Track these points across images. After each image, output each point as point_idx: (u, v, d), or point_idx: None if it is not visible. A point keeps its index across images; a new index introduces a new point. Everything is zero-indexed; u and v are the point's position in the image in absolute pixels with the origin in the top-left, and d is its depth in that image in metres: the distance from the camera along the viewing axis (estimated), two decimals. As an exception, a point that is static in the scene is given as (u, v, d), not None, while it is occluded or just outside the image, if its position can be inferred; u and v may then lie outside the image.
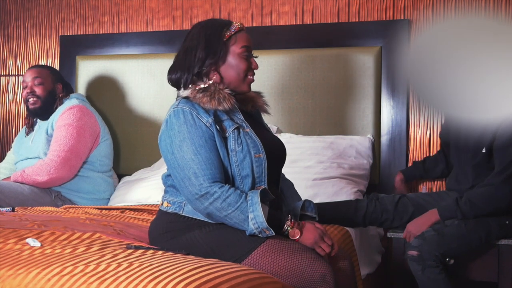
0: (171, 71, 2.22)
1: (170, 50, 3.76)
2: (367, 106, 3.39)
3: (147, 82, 3.80)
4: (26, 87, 3.54)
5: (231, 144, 2.10)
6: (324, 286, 1.96)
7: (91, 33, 4.06)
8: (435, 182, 3.37)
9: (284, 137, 3.26)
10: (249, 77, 2.21)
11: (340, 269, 2.15)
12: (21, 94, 3.60)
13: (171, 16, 3.89)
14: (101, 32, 4.04)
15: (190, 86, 2.15)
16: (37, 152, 3.46)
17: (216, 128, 2.09)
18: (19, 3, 4.25)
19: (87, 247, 1.98)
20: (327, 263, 2.01)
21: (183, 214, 2.12)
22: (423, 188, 3.23)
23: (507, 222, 2.70)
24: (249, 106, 2.29)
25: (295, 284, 1.97)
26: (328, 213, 2.79)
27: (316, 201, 2.76)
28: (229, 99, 2.13)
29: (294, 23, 3.63)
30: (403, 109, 3.38)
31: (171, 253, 1.94)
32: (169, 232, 2.12)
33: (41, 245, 2.00)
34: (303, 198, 2.33)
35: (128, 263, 1.77)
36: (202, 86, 2.14)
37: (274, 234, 2.02)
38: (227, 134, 2.11)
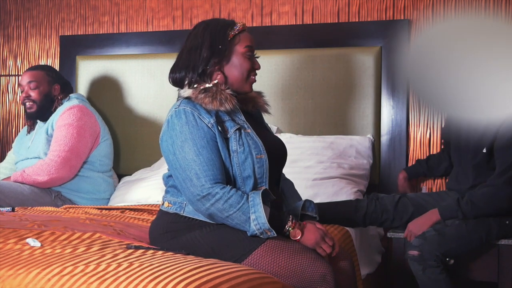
0: (174, 70, 2.21)
1: (170, 50, 3.76)
2: (367, 106, 3.39)
3: (147, 82, 3.80)
4: (23, 91, 3.54)
5: (233, 145, 2.10)
6: (324, 286, 1.97)
7: (91, 33, 4.06)
8: (435, 182, 3.37)
9: (284, 137, 3.26)
10: (251, 77, 2.21)
11: (340, 269, 2.15)
12: (20, 97, 3.60)
13: (171, 16, 3.89)
14: (101, 32, 4.04)
15: (195, 85, 2.15)
16: (37, 152, 3.46)
17: (218, 129, 2.09)
18: (19, 3, 4.25)
19: (87, 247, 1.98)
20: (327, 263, 2.01)
21: (184, 215, 2.12)
22: (423, 188, 3.23)
23: (507, 222, 2.70)
24: (250, 106, 2.29)
25: (295, 284, 1.97)
26: (328, 213, 2.79)
27: (316, 201, 2.76)
28: (230, 100, 2.12)
29: (294, 23, 3.63)
30: (403, 109, 3.38)
31: (171, 253, 1.94)
32: (170, 232, 2.11)
33: (41, 245, 2.00)
34: (303, 198, 2.33)
35: (128, 263, 1.77)
36: (207, 85, 2.13)
37: (275, 235, 2.02)
38: (228, 135, 2.10)
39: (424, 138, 3.40)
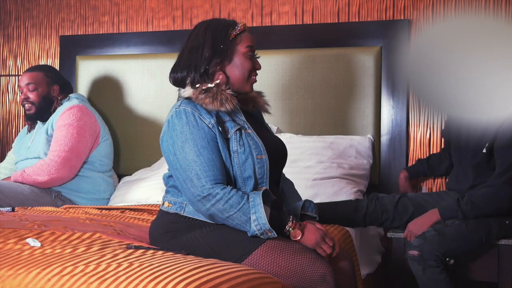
0: (175, 69, 2.20)
1: (170, 50, 3.76)
2: (367, 106, 3.39)
3: (147, 82, 3.80)
4: (22, 92, 3.54)
5: (233, 145, 2.10)
6: (324, 286, 1.97)
7: (91, 33, 4.06)
8: (435, 182, 3.37)
9: (284, 137, 3.26)
10: (252, 77, 2.21)
11: (340, 269, 2.15)
12: (19, 98, 3.60)
13: (171, 16, 3.89)
14: (101, 32, 4.04)
15: (197, 85, 2.14)
16: (37, 152, 3.46)
17: (218, 129, 2.09)
18: (19, 3, 4.25)
19: (87, 247, 1.98)
20: (327, 263, 2.01)
21: (184, 215, 2.12)
22: (423, 188, 3.23)
23: (507, 222, 2.70)
24: (250, 106, 2.29)
25: (295, 284, 1.97)
26: (328, 213, 2.79)
27: (316, 201, 2.76)
28: (231, 100, 2.12)
29: (294, 23, 3.63)
30: (403, 109, 3.38)
31: (171, 253, 1.94)
32: (170, 232, 2.11)
33: (41, 245, 2.00)
34: (303, 198, 2.33)
35: (128, 263, 1.77)
36: (209, 85, 2.13)
37: (276, 235, 2.02)
38: (229, 136, 2.10)
39: (424, 138, 3.40)
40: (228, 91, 2.14)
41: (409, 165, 3.37)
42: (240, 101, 2.22)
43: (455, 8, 3.32)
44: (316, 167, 3.19)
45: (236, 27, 2.18)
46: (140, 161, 3.75)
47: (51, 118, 3.51)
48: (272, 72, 3.51)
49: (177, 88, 2.24)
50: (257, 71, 2.23)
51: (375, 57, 3.38)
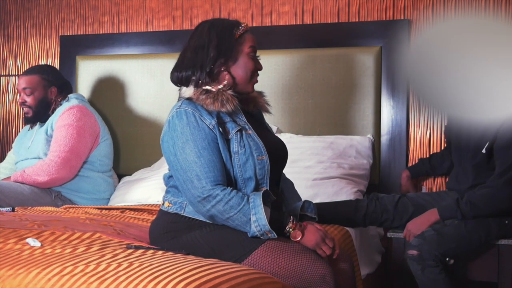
0: (178, 68, 2.18)
1: (170, 50, 3.76)
2: (367, 106, 3.39)
3: (147, 82, 3.80)
4: (20, 95, 3.54)
5: (234, 146, 2.09)
6: (324, 286, 1.97)
7: (91, 33, 4.06)
8: (435, 182, 3.37)
9: (284, 137, 3.26)
10: (254, 77, 2.21)
11: (340, 269, 2.15)
12: (18, 99, 3.60)
13: (171, 16, 3.89)
14: (101, 32, 4.04)
15: (206, 86, 2.13)
16: (37, 153, 3.46)
17: (219, 130, 2.08)
18: (19, 3, 4.25)
19: (87, 247, 1.98)
20: (327, 264, 2.01)
21: (184, 215, 2.12)
22: (423, 187, 3.23)
23: (506, 222, 2.70)
24: (251, 106, 2.29)
25: (295, 285, 1.97)
26: (328, 213, 2.79)
27: (316, 201, 2.76)
28: (232, 101, 2.12)
29: (294, 23, 3.63)
30: (403, 109, 3.38)
31: (171, 253, 1.94)
32: (170, 232, 2.11)
33: (41, 245, 2.00)
34: (303, 198, 2.33)
35: (128, 263, 1.77)
36: (219, 87, 2.12)
37: (276, 236, 2.02)
38: (229, 136, 2.10)
39: (424, 138, 3.40)
40: (229, 92, 2.14)
41: (409, 165, 3.37)
42: (241, 101, 2.22)
43: (455, 8, 3.32)
44: (316, 167, 3.19)
45: (240, 27, 2.18)
46: (140, 161, 3.75)
47: (50, 118, 3.51)
48: (272, 72, 3.51)
49: (178, 88, 2.23)
50: (258, 72, 2.23)
51: (375, 57, 3.38)
